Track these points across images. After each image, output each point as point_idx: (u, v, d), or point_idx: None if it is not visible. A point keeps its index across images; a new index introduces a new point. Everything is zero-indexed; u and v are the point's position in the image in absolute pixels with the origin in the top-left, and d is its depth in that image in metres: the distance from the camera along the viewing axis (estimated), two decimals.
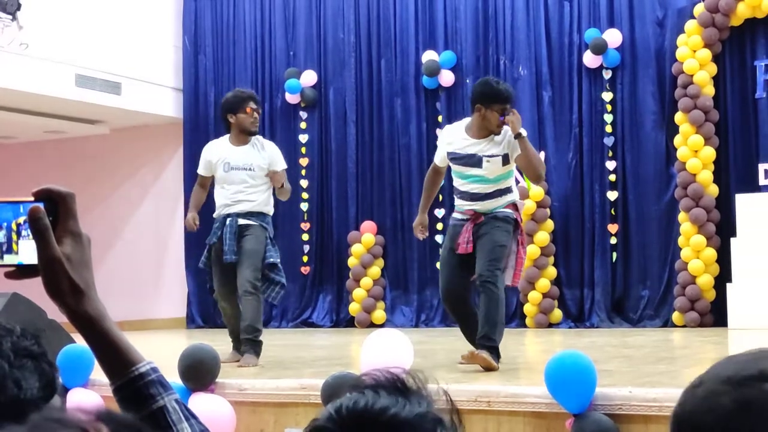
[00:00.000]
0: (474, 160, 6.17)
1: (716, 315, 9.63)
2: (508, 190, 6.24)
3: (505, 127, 6.16)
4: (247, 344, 6.78)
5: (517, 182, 10.35)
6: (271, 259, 6.91)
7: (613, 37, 10.35)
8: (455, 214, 6.39)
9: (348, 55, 11.74)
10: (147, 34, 12.16)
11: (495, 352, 5.90)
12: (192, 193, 7.47)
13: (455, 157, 6.28)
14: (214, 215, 7.11)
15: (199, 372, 5.29)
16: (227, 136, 7.15)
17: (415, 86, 11.39)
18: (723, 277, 9.58)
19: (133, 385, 1.39)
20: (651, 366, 6.12)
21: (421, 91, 11.35)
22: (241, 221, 6.84)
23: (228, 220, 6.85)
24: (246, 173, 6.92)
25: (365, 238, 11.33)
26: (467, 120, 6.40)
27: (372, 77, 11.64)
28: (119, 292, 12.10)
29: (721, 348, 7.59)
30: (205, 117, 12.46)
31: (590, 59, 10.45)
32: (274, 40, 12.18)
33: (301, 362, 6.99)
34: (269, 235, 6.97)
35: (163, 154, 12.94)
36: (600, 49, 10.32)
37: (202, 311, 12.25)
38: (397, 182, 11.39)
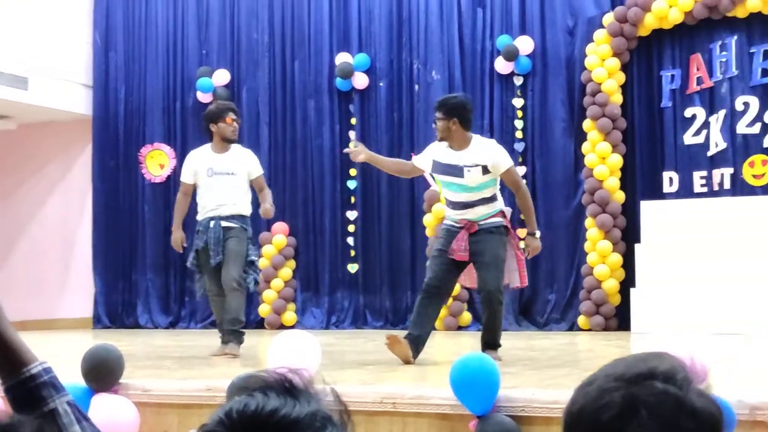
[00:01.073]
0: (456, 170, 6.53)
1: (620, 319, 9.82)
2: (493, 198, 6.59)
3: (484, 142, 6.73)
4: (231, 335, 7.29)
5: (429, 186, 10.48)
6: (252, 257, 7.47)
7: (525, 45, 10.49)
8: (448, 222, 6.70)
9: (261, 55, 11.68)
10: (56, 29, 11.95)
11: (496, 350, 6.44)
12: (176, 203, 7.76)
13: (439, 167, 6.66)
14: (198, 218, 7.52)
15: (103, 372, 5.21)
16: (209, 144, 7.63)
17: (328, 88, 11.39)
18: (627, 282, 9.77)
19: (25, 386, 1.37)
20: (555, 369, 6.22)
21: (335, 93, 11.36)
22: (224, 223, 7.33)
23: (212, 224, 7.33)
24: (228, 178, 7.40)
25: (277, 239, 11.29)
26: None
27: (285, 78, 11.61)
28: (24, 290, 11.87)
29: (624, 351, 7.71)
30: (115, 114, 12.29)
31: (502, 65, 10.58)
32: (186, 39, 12.07)
33: (207, 363, 6.94)
34: (249, 235, 7.50)
35: (72, 151, 12.72)
36: (512, 55, 10.44)
37: (109, 311, 12.08)
38: (309, 184, 11.37)
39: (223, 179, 7.38)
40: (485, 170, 6.47)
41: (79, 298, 12.30)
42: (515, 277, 6.61)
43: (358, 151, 7.06)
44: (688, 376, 1.25)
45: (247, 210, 7.53)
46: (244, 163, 7.53)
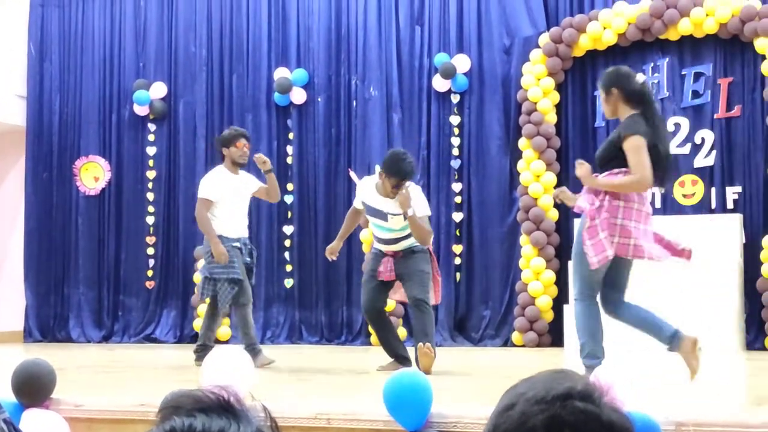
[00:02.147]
0: (381, 214, 7.02)
1: (554, 335, 9.94)
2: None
3: (412, 192, 6.94)
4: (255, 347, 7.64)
5: None
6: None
7: (462, 63, 10.60)
8: (375, 248, 7.21)
9: (199, 68, 11.65)
10: None
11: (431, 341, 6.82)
12: (204, 220, 7.82)
13: (367, 209, 7.13)
14: (229, 235, 7.78)
15: (34, 387, 5.14)
16: (222, 166, 8.00)
17: (266, 103, 11.39)
18: (561, 298, 9.89)
19: None
20: (488, 384, 6.27)
21: (273, 107, 11.36)
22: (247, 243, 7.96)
23: (242, 241, 7.85)
24: (244, 199, 7.98)
25: None
26: (377, 178, 7.16)
27: (223, 92, 11.58)
28: None
29: (558, 366, 7.80)
30: (50, 125, 12.16)
31: (439, 83, 10.67)
32: (123, 50, 11.99)
33: (140, 378, 6.88)
34: None
35: (4, 162, 12.56)
36: (449, 73, 10.54)
37: (41, 325, 11.93)
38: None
39: (242, 199, 7.94)
40: (406, 217, 6.89)
41: (9, 312, 12.12)
42: (431, 295, 7.11)
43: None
44: (602, 393, 1.31)
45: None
46: (249, 187, 8.07)
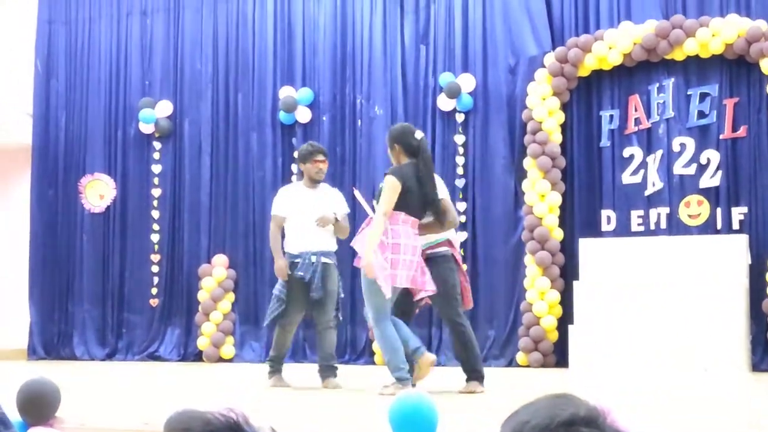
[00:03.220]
0: None
1: (558, 355, 9.90)
2: None
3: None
4: (331, 370, 7.75)
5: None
6: (341, 295, 8.08)
7: (467, 82, 10.61)
8: None
9: (205, 86, 11.67)
10: None
11: (481, 380, 6.78)
12: (272, 236, 7.92)
13: None
14: (293, 251, 7.73)
15: (38, 405, 5.11)
16: (301, 182, 8.07)
17: (271, 121, 11.40)
18: (566, 318, 9.86)
19: None
20: (493, 405, 6.25)
21: (278, 126, 11.38)
22: (323, 259, 7.76)
23: (314, 258, 7.70)
24: (318, 215, 7.78)
25: (216, 272, 11.23)
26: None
27: (229, 110, 11.60)
28: None
29: (563, 388, 7.77)
30: (55, 142, 12.18)
31: (444, 102, 10.68)
32: (129, 68, 12.02)
33: (145, 397, 6.87)
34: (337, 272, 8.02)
35: (10, 179, 12.58)
36: (454, 93, 10.55)
37: (45, 342, 11.92)
38: (250, 216, 11.35)
39: (316, 214, 7.75)
40: None
41: (13, 329, 12.11)
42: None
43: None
44: (605, 417, 1.31)
45: (334, 246, 7.96)
46: (329, 202, 7.90)
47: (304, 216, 7.74)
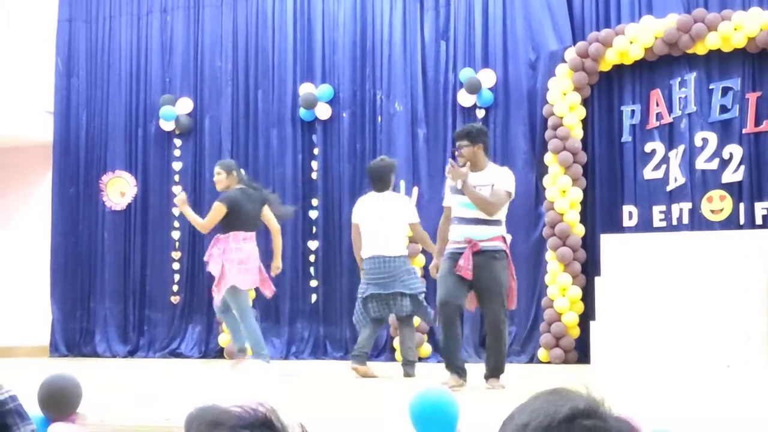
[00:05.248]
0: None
1: (580, 352, 9.86)
2: (497, 222, 6.90)
3: (499, 167, 7.22)
4: (411, 365, 8.30)
5: None
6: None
7: (487, 78, 10.57)
8: (451, 246, 6.96)
9: (225, 83, 11.68)
10: (19, 54, 11.89)
11: (500, 377, 6.92)
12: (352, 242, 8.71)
13: (454, 189, 6.99)
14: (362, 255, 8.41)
15: (60, 401, 5.13)
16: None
17: (291, 118, 11.40)
18: (587, 315, 9.82)
19: None
20: (515, 401, 6.22)
21: (298, 122, 11.37)
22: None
23: (369, 261, 8.28)
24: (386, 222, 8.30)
25: None
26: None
27: (249, 107, 11.61)
28: None
29: (584, 384, 7.73)
30: (76, 140, 12.22)
31: (465, 98, 10.64)
32: (149, 66, 12.05)
33: (166, 393, 6.88)
34: (412, 271, 8.48)
35: (32, 177, 12.63)
36: (474, 88, 10.52)
37: (67, 339, 11.97)
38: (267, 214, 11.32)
39: (382, 220, 8.23)
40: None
41: (36, 326, 12.17)
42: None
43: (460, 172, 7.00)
44: (603, 407, 1.30)
45: (404, 250, 8.34)
46: (397, 209, 8.30)
47: (372, 221, 8.25)
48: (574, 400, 1.29)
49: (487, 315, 6.99)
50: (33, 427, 1.39)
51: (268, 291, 8.61)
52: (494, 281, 6.80)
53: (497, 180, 6.94)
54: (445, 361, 7.00)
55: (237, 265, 8.21)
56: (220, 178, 8.63)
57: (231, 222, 8.31)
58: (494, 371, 6.90)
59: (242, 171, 8.97)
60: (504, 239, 6.94)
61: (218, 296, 8.26)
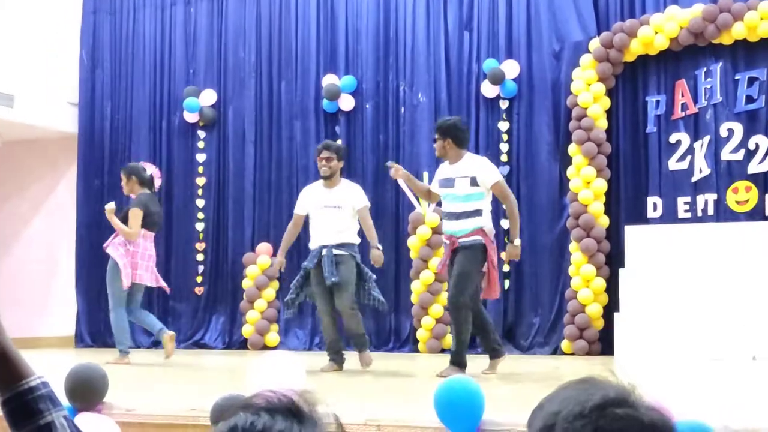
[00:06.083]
0: (450, 182, 7.34)
1: (604, 343, 9.82)
2: (477, 213, 7.20)
3: (476, 158, 7.57)
4: (363, 345, 8.14)
5: (414, 208, 10.49)
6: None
7: (511, 68, 10.53)
8: (443, 237, 7.56)
9: (248, 74, 11.70)
10: (44, 46, 11.94)
11: (463, 368, 7.08)
12: (286, 231, 8.60)
13: (441, 182, 7.43)
14: (311, 246, 8.26)
15: (86, 391, 5.17)
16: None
17: (315, 109, 11.40)
18: (611, 306, 9.78)
19: (23, 398, 1.37)
20: (539, 392, 6.20)
21: (321, 114, 11.37)
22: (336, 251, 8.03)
23: (324, 251, 8.00)
24: (334, 211, 8.12)
25: (261, 260, 11.27)
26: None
27: (272, 98, 11.62)
28: (6, 308, 11.79)
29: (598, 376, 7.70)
30: (101, 132, 12.28)
31: (488, 89, 10.61)
32: (173, 57, 12.08)
33: (190, 383, 6.90)
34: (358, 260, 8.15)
35: (57, 168, 12.69)
36: (498, 79, 10.48)
37: (92, 330, 12.03)
38: (294, 204, 11.32)
39: (329, 212, 8.11)
40: (473, 182, 7.21)
41: (61, 317, 12.24)
42: (486, 291, 7.32)
43: (398, 167, 7.69)
44: (634, 395, 1.29)
45: (354, 238, 8.18)
46: (350, 197, 8.18)
47: (315, 213, 8.18)
48: (605, 388, 1.29)
49: (448, 302, 7.37)
50: (65, 413, 1.40)
51: (164, 286, 9.42)
52: (458, 268, 7.13)
53: (478, 173, 7.25)
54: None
55: (140, 261, 8.93)
56: (123, 183, 9.26)
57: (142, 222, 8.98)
58: (452, 360, 7.21)
59: (147, 173, 9.32)
60: (483, 231, 7.20)
61: (127, 280, 8.79)
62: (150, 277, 8.95)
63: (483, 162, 7.51)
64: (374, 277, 8.23)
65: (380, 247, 8.15)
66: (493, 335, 7.50)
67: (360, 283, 8.07)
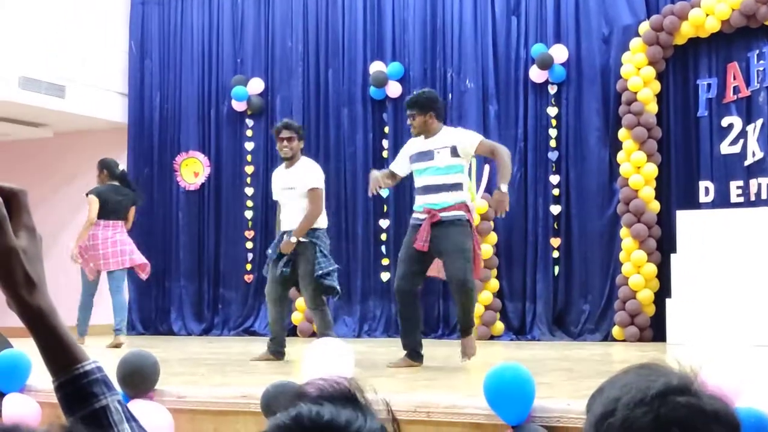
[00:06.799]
0: (427, 155, 6.98)
1: (655, 330, 9.74)
2: (458, 187, 6.87)
3: (452, 129, 7.36)
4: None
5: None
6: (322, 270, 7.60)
7: (560, 53, 10.45)
8: (414, 216, 7.05)
9: (296, 63, 11.72)
10: (93, 37, 12.05)
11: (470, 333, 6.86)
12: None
13: (414, 158, 7.08)
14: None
15: (138, 379, 5.23)
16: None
17: (362, 97, 11.39)
18: (663, 292, 9.69)
19: (77, 382, 1.37)
20: (590, 379, 6.17)
21: (368, 101, 11.36)
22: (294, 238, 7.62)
23: (285, 237, 7.66)
24: (290, 192, 7.76)
25: None
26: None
27: (319, 86, 11.63)
28: (57, 296, 11.90)
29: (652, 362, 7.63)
30: (150, 122, 12.38)
31: (536, 74, 10.54)
32: (221, 47, 12.14)
33: (241, 370, 6.95)
34: (320, 248, 7.65)
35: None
36: (546, 64, 10.40)
37: (143, 318, 12.16)
38: (342, 192, 11.37)
39: (287, 194, 7.78)
40: (453, 152, 6.90)
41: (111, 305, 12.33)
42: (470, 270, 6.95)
43: (371, 187, 7.27)
44: (698, 384, 1.27)
45: (317, 223, 7.72)
46: (299, 178, 7.77)
47: (281, 195, 7.89)
48: (667, 375, 1.27)
49: (450, 279, 6.83)
50: (119, 398, 1.41)
51: (143, 274, 10.09)
52: (454, 244, 6.73)
53: (459, 142, 6.95)
54: (401, 341, 7.07)
55: (102, 251, 9.67)
56: (97, 175, 9.97)
57: (100, 212, 9.62)
58: (464, 331, 6.87)
59: (120, 169, 10.06)
60: (467, 207, 6.89)
61: (91, 275, 9.76)
62: (116, 262, 9.71)
63: (460, 130, 7.36)
64: (335, 266, 7.74)
65: (300, 239, 7.58)
66: (420, 335, 7.11)
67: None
